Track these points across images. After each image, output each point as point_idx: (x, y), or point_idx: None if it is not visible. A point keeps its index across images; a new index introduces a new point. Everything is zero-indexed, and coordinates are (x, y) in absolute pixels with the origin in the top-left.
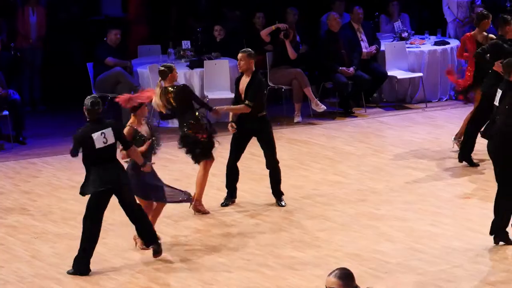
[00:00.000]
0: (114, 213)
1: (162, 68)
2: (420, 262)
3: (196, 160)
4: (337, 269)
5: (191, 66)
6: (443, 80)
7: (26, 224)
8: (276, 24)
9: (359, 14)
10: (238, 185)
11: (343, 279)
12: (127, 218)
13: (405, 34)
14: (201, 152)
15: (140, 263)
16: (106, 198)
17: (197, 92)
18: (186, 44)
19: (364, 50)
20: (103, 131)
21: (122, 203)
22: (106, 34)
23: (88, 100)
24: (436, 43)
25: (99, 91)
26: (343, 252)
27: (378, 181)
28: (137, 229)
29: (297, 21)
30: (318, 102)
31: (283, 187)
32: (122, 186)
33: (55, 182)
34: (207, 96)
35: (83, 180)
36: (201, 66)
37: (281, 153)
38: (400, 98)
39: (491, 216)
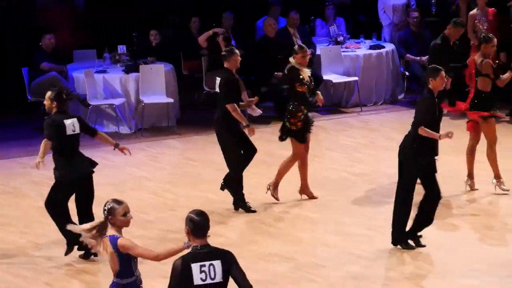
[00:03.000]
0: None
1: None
2: (356, 266)
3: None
4: None
5: (127, 70)
6: (378, 84)
7: None
8: (213, 28)
9: (295, 19)
10: (175, 189)
11: None
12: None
13: (340, 38)
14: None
15: None
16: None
17: (132, 97)
18: (121, 48)
19: None
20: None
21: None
22: (41, 39)
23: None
24: (371, 47)
25: (34, 96)
26: (279, 256)
27: (314, 185)
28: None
29: (233, 25)
30: (254, 106)
31: (218, 190)
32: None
33: None
34: (143, 100)
35: (19, 185)
36: (137, 70)
37: (216, 158)
38: (335, 102)
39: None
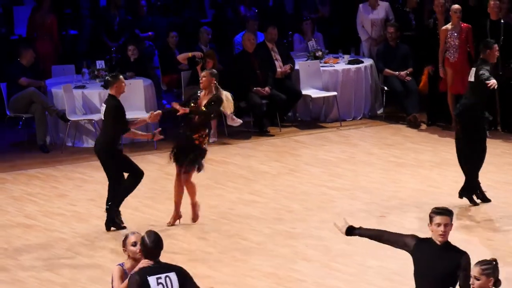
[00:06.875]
0: None
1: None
2: (336, 281)
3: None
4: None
5: (106, 86)
6: (357, 99)
7: None
8: (192, 52)
9: (273, 34)
10: (156, 205)
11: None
12: None
13: (319, 53)
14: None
15: None
16: None
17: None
18: (100, 64)
19: (278, 69)
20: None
21: None
22: (19, 54)
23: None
24: (350, 62)
25: (13, 112)
26: (259, 271)
27: (293, 200)
28: None
29: (211, 40)
30: (234, 116)
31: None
32: None
33: None
34: None
35: None
36: None
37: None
38: (314, 117)
39: None
